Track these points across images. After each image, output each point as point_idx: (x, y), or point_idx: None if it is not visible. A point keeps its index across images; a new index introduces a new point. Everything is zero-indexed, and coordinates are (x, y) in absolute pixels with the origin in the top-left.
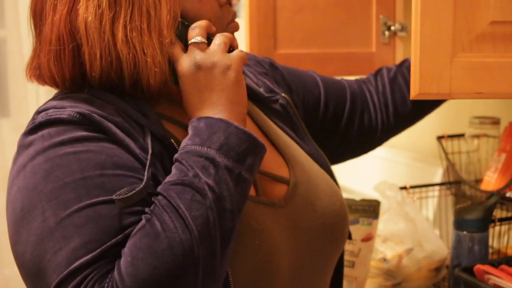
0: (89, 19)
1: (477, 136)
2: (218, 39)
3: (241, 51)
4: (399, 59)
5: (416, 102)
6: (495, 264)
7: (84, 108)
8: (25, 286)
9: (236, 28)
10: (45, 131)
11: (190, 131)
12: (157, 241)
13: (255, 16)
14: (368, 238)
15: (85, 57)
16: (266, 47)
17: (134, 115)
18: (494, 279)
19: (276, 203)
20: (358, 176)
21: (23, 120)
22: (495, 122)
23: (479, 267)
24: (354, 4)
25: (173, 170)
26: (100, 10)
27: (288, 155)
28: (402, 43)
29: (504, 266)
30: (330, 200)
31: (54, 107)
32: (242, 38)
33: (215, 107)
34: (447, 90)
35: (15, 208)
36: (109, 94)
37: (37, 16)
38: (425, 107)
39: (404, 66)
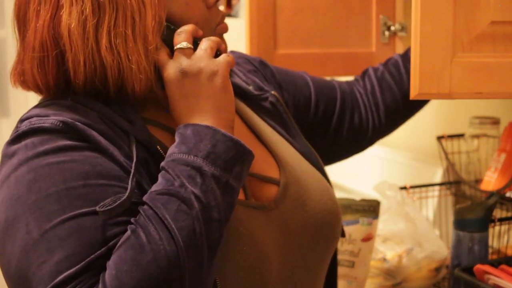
0: (72, 26)
1: (477, 136)
2: (204, 44)
3: (228, 55)
4: None
5: (406, 99)
6: (495, 264)
7: (67, 116)
8: None
9: (225, 29)
10: (28, 141)
11: (177, 138)
12: (142, 253)
13: (255, 16)
14: (368, 238)
15: (68, 64)
16: (266, 47)
17: (118, 122)
18: (494, 279)
19: (266, 206)
20: (358, 176)
21: None
22: (495, 122)
23: (479, 267)
24: (354, 4)
25: (160, 179)
26: (83, 16)
27: (278, 154)
28: (402, 43)
29: (504, 266)
30: (321, 199)
31: (37, 115)
32: (242, 38)
33: (202, 114)
34: (447, 90)
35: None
36: (93, 101)
37: (21, 20)
38: (416, 103)
39: (390, 64)
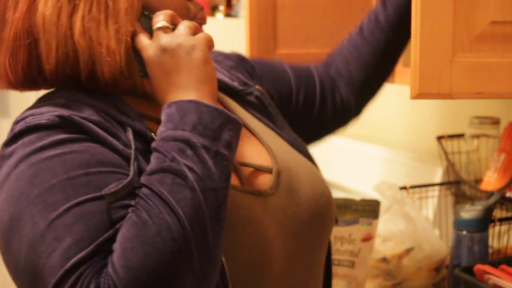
0: (47, 13)
1: (477, 136)
2: (183, 24)
3: (207, 33)
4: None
5: (372, 64)
6: (495, 264)
7: (63, 111)
8: None
9: (203, 21)
10: (25, 139)
11: (163, 118)
12: (145, 229)
13: (255, 16)
14: (368, 238)
15: (41, 50)
16: (266, 47)
17: (113, 114)
18: (494, 279)
19: (263, 192)
20: (358, 176)
21: None
22: (495, 122)
23: (479, 267)
24: (354, 4)
25: (152, 159)
26: (59, 4)
27: (269, 144)
28: None
29: (504, 266)
30: (312, 184)
31: (32, 115)
32: (242, 38)
33: (184, 88)
34: (447, 90)
35: (3, 219)
36: (87, 97)
37: (1, 18)
38: (384, 67)
39: (354, 33)
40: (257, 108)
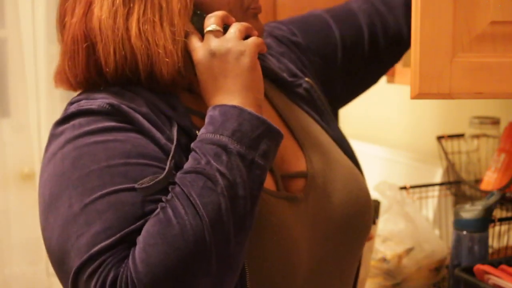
0: (103, 17)
1: (477, 136)
2: (234, 27)
3: (258, 38)
4: None
5: None
6: (495, 264)
7: (114, 99)
8: (34, 285)
9: (258, 10)
10: (76, 121)
11: (206, 119)
12: (168, 227)
13: None
14: (368, 238)
15: (99, 54)
16: None
17: (162, 107)
18: (494, 279)
19: (296, 197)
20: None
21: (23, 120)
22: (495, 122)
23: (479, 267)
24: None
25: (189, 158)
26: (114, 8)
27: (306, 142)
28: None
29: (504, 266)
30: (348, 189)
31: (86, 98)
32: None
33: (230, 94)
34: (447, 90)
35: (45, 194)
36: (140, 88)
37: (61, 24)
38: None
39: None
40: (306, 100)
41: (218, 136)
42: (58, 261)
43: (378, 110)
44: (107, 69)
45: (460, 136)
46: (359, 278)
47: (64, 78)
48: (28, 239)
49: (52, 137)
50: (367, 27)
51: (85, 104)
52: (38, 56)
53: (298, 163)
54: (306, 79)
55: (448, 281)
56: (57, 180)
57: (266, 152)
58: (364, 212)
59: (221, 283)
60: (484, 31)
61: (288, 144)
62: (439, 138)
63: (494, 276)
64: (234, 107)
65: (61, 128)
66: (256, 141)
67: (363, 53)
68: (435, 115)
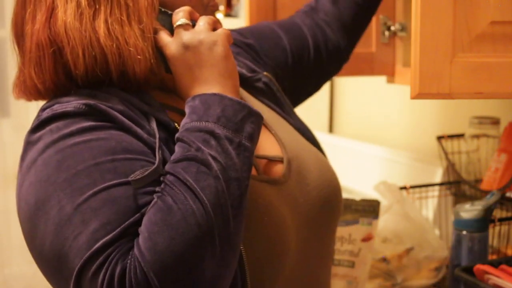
0: (68, 20)
1: (477, 136)
2: (202, 20)
3: (226, 29)
4: (399, 59)
5: (358, 6)
6: (495, 264)
7: (88, 100)
8: (35, 286)
9: (216, 7)
10: (53, 125)
11: (187, 110)
12: (170, 213)
13: (255, 16)
14: (368, 238)
15: (67, 58)
16: None
17: (137, 104)
18: (494, 279)
19: (277, 180)
20: (358, 176)
21: (23, 120)
22: (495, 122)
23: (479, 267)
24: None
25: (176, 148)
26: (79, 10)
27: (277, 132)
28: (402, 43)
29: (504, 266)
30: (320, 171)
31: (59, 102)
32: None
33: (208, 83)
34: (447, 90)
35: (29, 203)
36: (112, 89)
37: (18, 32)
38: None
39: None
40: (266, 94)
41: (203, 123)
42: (55, 268)
43: (378, 110)
44: (77, 72)
45: (460, 136)
46: (359, 278)
47: (30, 86)
48: None
49: (28, 144)
50: (311, 37)
51: (59, 108)
52: None
53: (274, 148)
54: (265, 73)
55: (448, 281)
56: (41, 185)
57: (251, 134)
58: (337, 192)
59: (225, 264)
60: (484, 31)
61: (262, 133)
62: (439, 138)
63: (494, 276)
64: (214, 94)
65: (37, 135)
66: (241, 124)
67: (308, 61)
68: (435, 115)
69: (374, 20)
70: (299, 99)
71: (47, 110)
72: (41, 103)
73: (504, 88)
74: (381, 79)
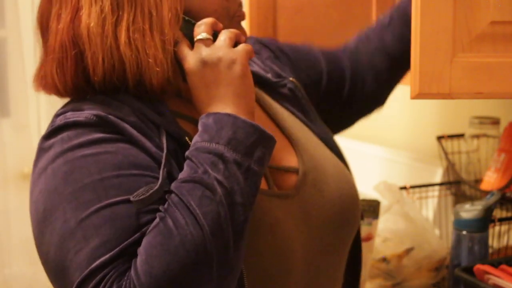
0: (92, 25)
1: (477, 136)
2: (224, 35)
3: (247, 45)
4: None
5: (394, 60)
6: (495, 264)
7: (100, 110)
8: (50, 283)
9: (242, 17)
10: (64, 134)
11: (199, 127)
12: (169, 238)
13: (255, 16)
14: (368, 238)
15: (87, 62)
16: None
17: (149, 115)
18: (494, 279)
19: (288, 194)
20: (358, 176)
21: (23, 120)
22: (495, 122)
23: (479, 267)
24: (354, 4)
25: (185, 167)
26: (103, 15)
27: (297, 141)
28: None
29: (504, 266)
30: (338, 184)
31: (72, 110)
32: None
33: (223, 102)
34: (447, 90)
35: (38, 210)
36: (127, 96)
37: (44, 26)
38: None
39: (379, 22)
40: (290, 100)
41: (214, 144)
42: (57, 275)
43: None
44: (95, 78)
45: (460, 136)
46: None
47: (51, 83)
48: (28, 239)
49: (41, 151)
50: (349, 71)
51: (72, 116)
52: (38, 56)
53: (290, 159)
54: (291, 78)
55: (448, 281)
56: (49, 195)
57: (261, 158)
58: (354, 207)
59: (223, 287)
60: (484, 31)
61: (279, 142)
62: (439, 138)
63: (494, 276)
64: (228, 115)
65: (49, 142)
66: (251, 148)
67: (342, 93)
68: (435, 115)
69: (374, 20)
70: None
71: (61, 117)
72: (39, 104)
73: (504, 88)
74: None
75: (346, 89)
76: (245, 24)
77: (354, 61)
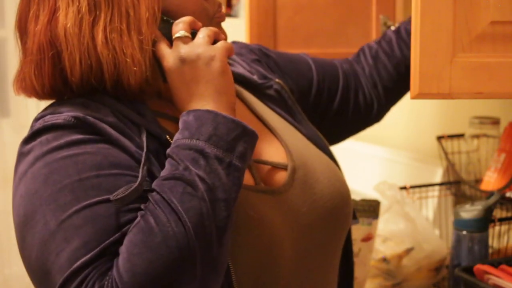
0: (68, 25)
1: (477, 136)
2: (202, 33)
3: (226, 42)
4: None
5: (400, 76)
6: (495, 264)
7: (79, 111)
8: (33, 286)
9: (222, 18)
10: (43, 137)
11: (180, 125)
12: (151, 236)
13: (255, 16)
14: (368, 238)
15: (65, 63)
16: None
17: (129, 115)
18: (494, 279)
19: (275, 190)
20: (358, 176)
21: (23, 120)
22: (495, 122)
23: (479, 267)
24: (354, 4)
25: (166, 165)
26: (80, 16)
27: (285, 140)
28: None
29: (504, 266)
30: (329, 181)
31: (51, 113)
32: (242, 38)
33: (203, 99)
34: (447, 90)
35: (19, 214)
36: (106, 97)
37: (22, 29)
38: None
39: (384, 42)
40: (276, 101)
41: (194, 141)
42: (40, 278)
43: None
44: (73, 79)
45: (460, 136)
46: (359, 278)
47: (29, 86)
48: None
49: (21, 156)
50: (342, 80)
51: (50, 119)
52: None
53: (279, 155)
54: (277, 80)
55: (448, 281)
56: (30, 199)
57: (243, 153)
58: (346, 205)
59: (207, 285)
60: (484, 31)
61: (268, 140)
62: (439, 138)
63: (494, 276)
64: (208, 111)
65: (29, 146)
66: (233, 144)
67: (332, 102)
68: (435, 115)
69: (374, 20)
70: None
71: (40, 121)
72: (39, 104)
73: (504, 88)
74: None
75: (337, 98)
76: (245, 24)
77: (351, 70)
